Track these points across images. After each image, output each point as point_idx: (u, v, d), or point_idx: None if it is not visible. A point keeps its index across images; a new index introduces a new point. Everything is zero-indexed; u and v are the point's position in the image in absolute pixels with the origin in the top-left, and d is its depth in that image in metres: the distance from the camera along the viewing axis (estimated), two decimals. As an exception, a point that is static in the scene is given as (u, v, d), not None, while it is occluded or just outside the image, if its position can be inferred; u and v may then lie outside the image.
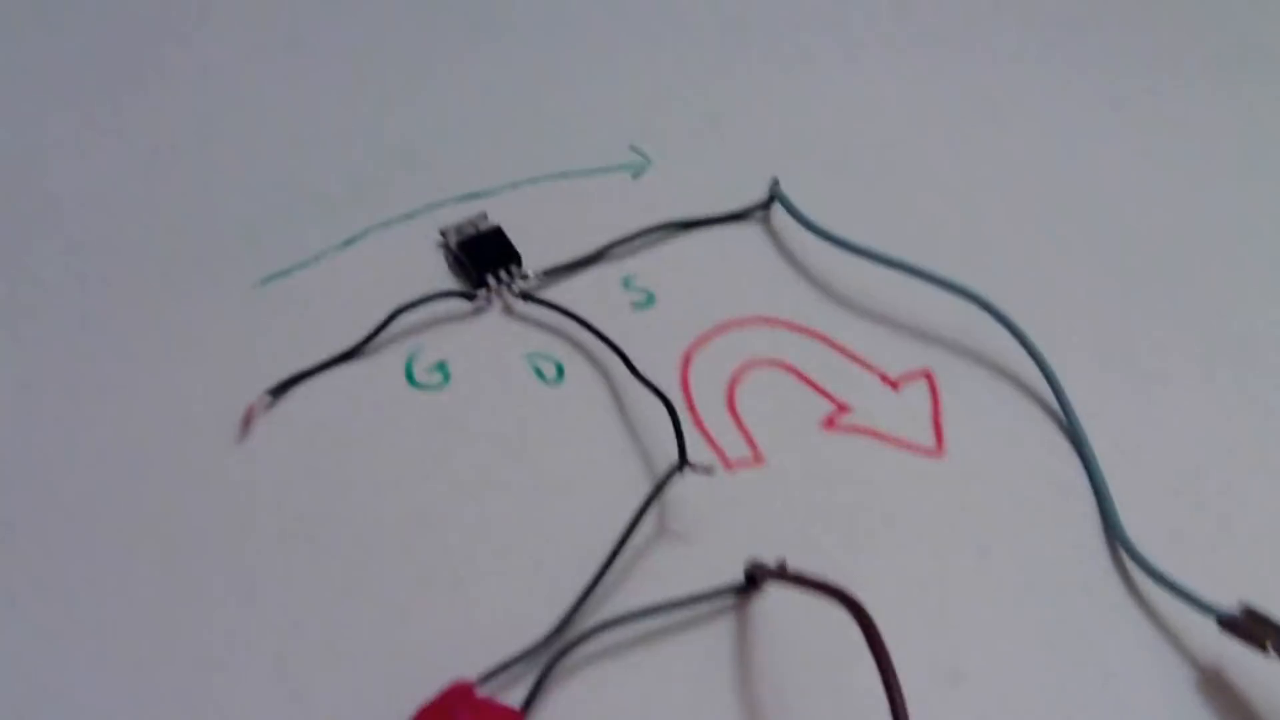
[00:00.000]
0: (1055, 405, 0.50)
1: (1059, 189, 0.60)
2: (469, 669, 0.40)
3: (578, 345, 0.51)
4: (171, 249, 0.54)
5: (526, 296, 0.52)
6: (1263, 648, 0.40)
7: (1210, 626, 0.42)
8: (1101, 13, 0.70)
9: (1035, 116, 0.64)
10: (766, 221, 0.57)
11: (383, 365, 0.50)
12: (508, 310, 0.53)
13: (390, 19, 0.67)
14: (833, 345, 0.52)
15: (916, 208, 0.58)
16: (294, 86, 0.62)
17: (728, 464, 0.48)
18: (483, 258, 0.53)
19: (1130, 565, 0.45)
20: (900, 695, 0.35)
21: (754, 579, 0.43)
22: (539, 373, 0.50)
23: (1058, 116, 0.64)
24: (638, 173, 0.59)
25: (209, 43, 0.65)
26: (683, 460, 0.45)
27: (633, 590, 0.44)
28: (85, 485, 0.46)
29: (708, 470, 0.45)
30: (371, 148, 0.60)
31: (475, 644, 0.41)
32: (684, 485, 0.45)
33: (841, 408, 0.50)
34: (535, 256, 0.54)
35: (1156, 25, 0.70)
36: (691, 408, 0.49)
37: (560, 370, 0.50)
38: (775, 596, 0.43)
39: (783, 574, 0.42)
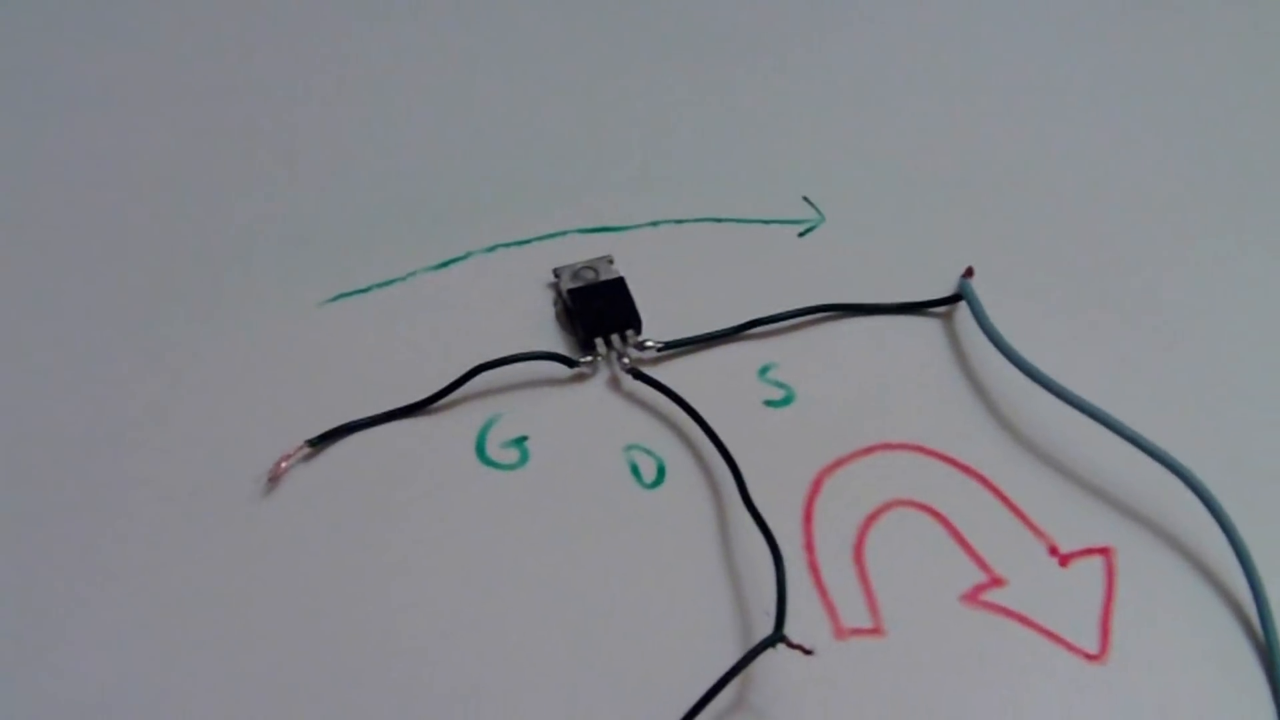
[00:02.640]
0: (1256, 621, 0.43)
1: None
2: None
3: (688, 442, 0.46)
4: (228, 251, 0.51)
5: (638, 373, 0.47)
6: None
7: None
8: None
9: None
10: (947, 321, 0.51)
11: (451, 429, 0.46)
12: (614, 384, 0.48)
13: (550, 14, 0.64)
14: (999, 495, 0.46)
15: (1136, 340, 0.51)
16: (412, 75, 0.60)
17: (839, 630, 0.42)
18: (595, 314, 0.49)
19: None
20: None
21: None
22: (635, 470, 0.46)
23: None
24: (806, 230, 0.54)
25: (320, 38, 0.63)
26: (778, 632, 0.40)
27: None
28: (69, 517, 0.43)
29: (807, 651, 0.40)
30: (495, 152, 0.56)
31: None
32: (779, 650, 0.40)
33: (994, 580, 0.44)
34: (659, 317, 0.49)
35: None
36: (809, 548, 0.44)
37: (661, 471, 0.46)
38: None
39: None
